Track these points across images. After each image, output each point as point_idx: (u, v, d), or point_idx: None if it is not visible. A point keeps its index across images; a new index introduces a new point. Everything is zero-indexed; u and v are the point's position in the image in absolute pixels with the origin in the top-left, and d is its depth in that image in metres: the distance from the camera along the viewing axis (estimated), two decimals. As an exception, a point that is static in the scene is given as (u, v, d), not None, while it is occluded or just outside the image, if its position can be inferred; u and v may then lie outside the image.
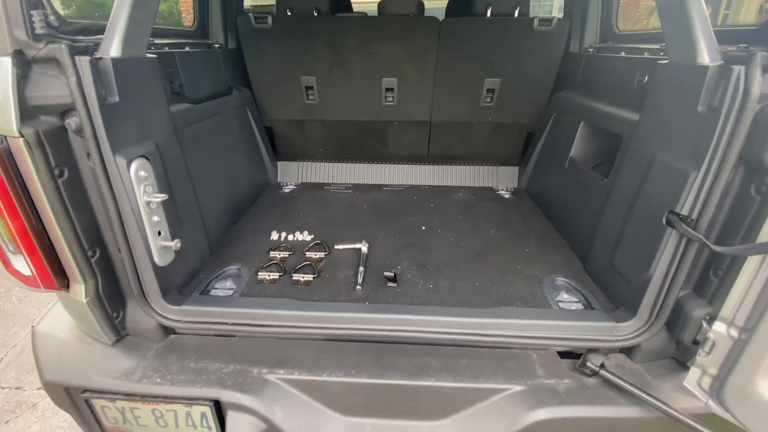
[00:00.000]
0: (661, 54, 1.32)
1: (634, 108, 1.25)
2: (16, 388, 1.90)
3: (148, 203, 1.03)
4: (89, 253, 0.98)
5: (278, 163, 2.14)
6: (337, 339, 1.12)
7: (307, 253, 1.41)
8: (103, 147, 0.91)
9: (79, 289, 0.99)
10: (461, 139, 2.05)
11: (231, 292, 1.23)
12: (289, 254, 1.40)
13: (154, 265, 1.05)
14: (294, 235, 1.52)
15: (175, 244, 1.08)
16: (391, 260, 1.37)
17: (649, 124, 1.12)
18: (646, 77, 1.28)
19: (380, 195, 1.93)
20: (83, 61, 0.86)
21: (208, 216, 1.38)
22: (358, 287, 1.21)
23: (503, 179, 2.07)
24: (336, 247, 1.43)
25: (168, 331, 1.14)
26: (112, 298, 1.07)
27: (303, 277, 1.26)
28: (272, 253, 1.40)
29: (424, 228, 1.59)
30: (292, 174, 2.13)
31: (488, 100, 1.91)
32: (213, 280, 1.28)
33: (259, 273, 1.28)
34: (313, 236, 1.52)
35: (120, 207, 0.97)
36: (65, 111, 0.89)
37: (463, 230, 1.58)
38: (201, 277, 1.28)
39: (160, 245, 1.07)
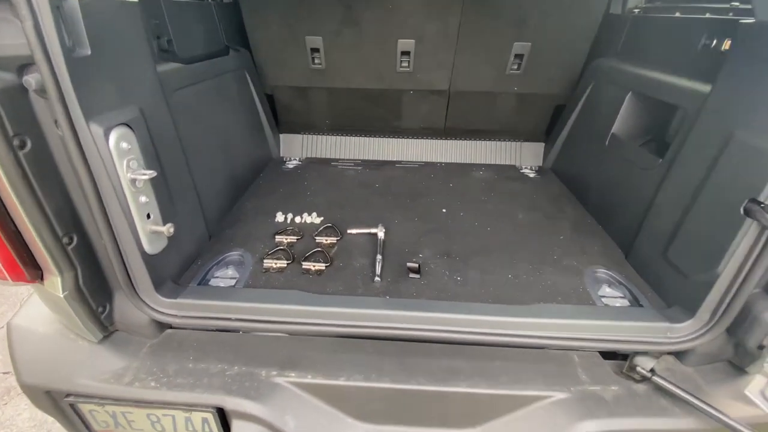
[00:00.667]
0: (730, 15, 1.13)
1: (700, 77, 1.08)
2: (4, 373, 1.80)
3: (134, 181, 0.86)
4: (65, 240, 0.83)
5: (280, 135, 1.95)
6: (354, 337, 0.99)
7: (317, 238, 1.26)
8: (74, 112, 0.74)
9: (55, 282, 0.84)
10: (483, 111, 1.87)
11: (233, 281, 1.09)
12: (297, 239, 1.25)
13: (143, 252, 0.91)
14: (302, 217, 1.36)
15: (168, 229, 0.92)
16: (411, 247, 1.23)
17: (725, 97, 0.96)
18: (715, 41, 1.09)
19: (393, 172, 1.77)
20: (41, 1, 0.67)
21: (205, 195, 1.22)
22: (377, 279, 1.07)
23: (527, 157, 1.90)
24: (349, 231, 1.29)
25: (163, 325, 1.01)
26: (95, 290, 0.93)
27: (314, 266, 1.12)
28: (278, 238, 1.25)
29: (444, 211, 1.44)
30: (295, 148, 1.95)
31: (515, 67, 1.71)
32: (212, 268, 1.13)
33: (265, 260, 1.14)
34: (322, 219, 1.36)
35: (99, 186, 0.81)
36: (23, 65, 0.71)
37: (487, 213, 1.43)
38: (199, 264, 1.14)
39: (149, 230, 0.92)
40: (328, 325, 0.96)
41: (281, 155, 1.94)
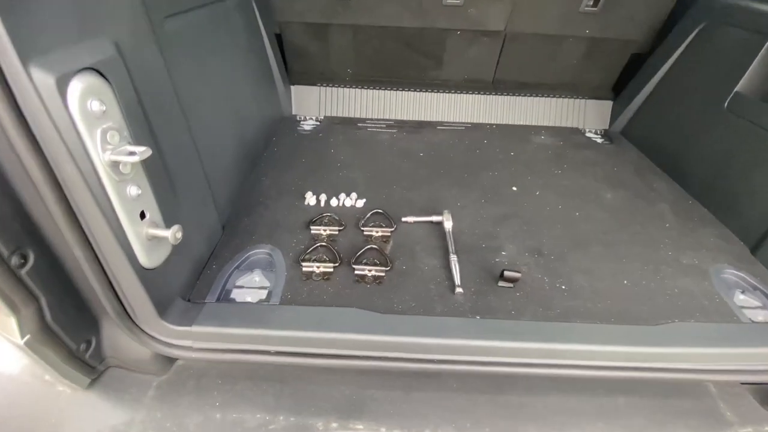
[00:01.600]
0: None
1: None
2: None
3: (116, 165, 0.55)
4: (13, 261, 0.52)
5: (292, 87, 1.58)
6: (436, 373, 0.74)
7: (364, 229, 0.97)
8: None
9: (8, 324, 0.55)
10: (542, 60, 1.52)
11: (264, 292, 0.81)
12: (339, 230, 0.96)
13: (138, 268, 0.61)
14: (338, 200, 1.06)
15: (174, 234, 0.62)
16: (488, 241, 0.95)
17: None
18: None
19: (437, 137, 1.44)
20: None
21: (213, 172, 0.90)
22: (458, 290, 0.81)
23: (592, 117, 1.59)
24: (404, 220, 1.00)
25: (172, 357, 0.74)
26: (72, 323, 0.64)
27: (370, 270, 0.84)
28: (314, 229, 0.96)
29: (515, 189, 1.16)
30: (311, 104, 1.59)
31: (591, 2, 1.35)
32: (233, 273, 0.85)
33: (303, 263, 0.85)
34: (365, 201, 1.06)
35: (59, 175, 0.50)
36: None
37: (568, 192, 1.15)
38: (214, 267, 0.85)
39: (146, 235, 0.62)
40: (406, 360, 0.71)
41: (294, 113, 1.58)
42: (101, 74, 0.53)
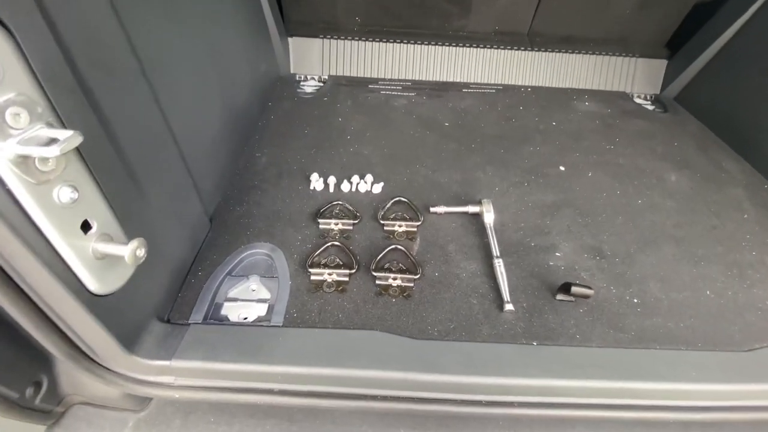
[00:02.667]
0: None
1: None
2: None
3: (28, 160, 0.36)
4: None
5: (289, 40, 1.33)
6: (483, 416, 0.60)
7: (384, 221, 0.79)
8: None
9: None
10: (589, 8, 1.27)
11: (264, 307, 0.65)
12: (354, 223, 0.78)
13: (86, 298, 0.44)
14: (351, 183, 0.87)
15: (134, 251, 0.44)
16: (536, 238, 0.78)
17: None
18: None
19: (463, 102, 1.22)
20: None
21: (194, 151, 0.70)
22: (508, 306, 0.64)
23: (640, 80, 1.36)
24: (433, 210, 0.81)
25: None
26: (10, 366, 0.48)
27: (395, 279, 0.68)
28: (322, 223, 0.77)
29: (562, 169, 0.96)
30: (312, 60, 1.34)
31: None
32: (224, 281, 0.68)
33: (312, 268, 0.68)
34: (383, 185, 0.88)
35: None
36: None
37: (624, 173, 0.96)
38: (200, 274, 0.68)
39: (92, 253, 0.44)
40: (445, 401, 0.56)
41: (292, 71, 1.35)
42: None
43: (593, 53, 1.33)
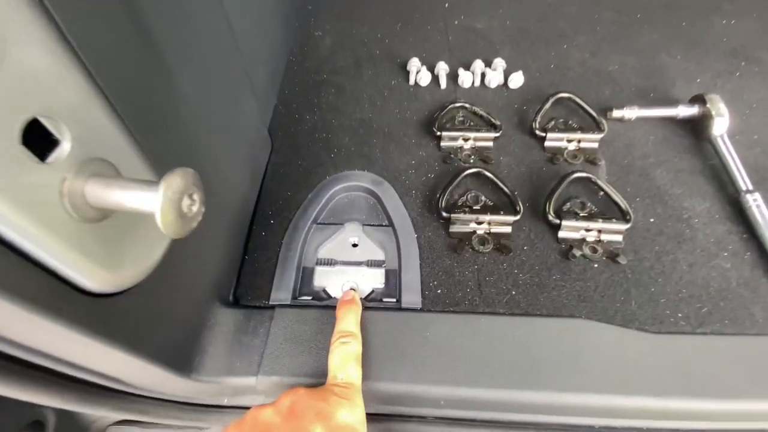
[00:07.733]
0: None
1: None
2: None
3: None
4: None
5: None
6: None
7: (543, 134, 0.49)
8: None
9: None
10: None
11: (379, 275, 0.40)
12: (495, 137, 0.49)
13: (80, 301, 0.19)
14: (472, 74, 0.55)
15: (177, 200, 0.18)
16: None
17: None
18: None
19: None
20: None
21: (240, 12, 0.39)
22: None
23: None
24: (617, 114, 0.51)
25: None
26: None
27: (589, 230, 0.41)
28: (445, 137, 0.49)
29: None
30: None
31: None
32: (311, 231, 0.43)
33: (446, 212, 0.42)
34: (521, 74, 0.56)
35: None
36: None
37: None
38: (272, 222, 0.42)
39: (69, 203, 0.17)
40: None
41: None
42: None
43: None
